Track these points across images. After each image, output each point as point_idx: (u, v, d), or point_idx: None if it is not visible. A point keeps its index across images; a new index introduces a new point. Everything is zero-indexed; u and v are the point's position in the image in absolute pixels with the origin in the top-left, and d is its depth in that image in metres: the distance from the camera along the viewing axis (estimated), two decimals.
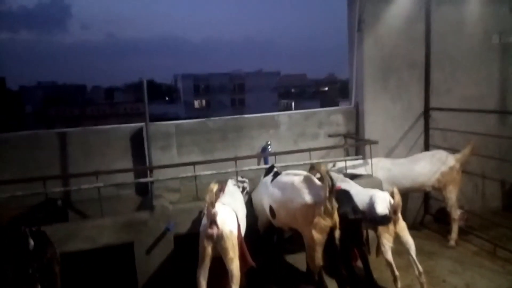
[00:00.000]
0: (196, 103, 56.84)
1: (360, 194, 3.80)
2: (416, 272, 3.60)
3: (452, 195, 4.75)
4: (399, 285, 3.55)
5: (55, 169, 4.54)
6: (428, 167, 4.77)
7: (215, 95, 56.62)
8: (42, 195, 3.81)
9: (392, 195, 3.56)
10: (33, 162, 4.47)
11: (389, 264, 3.56)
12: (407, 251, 3.62)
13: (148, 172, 4.43)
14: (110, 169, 4.33)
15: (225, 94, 57.29)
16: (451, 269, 4.29)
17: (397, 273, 3.54)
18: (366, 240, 4.30)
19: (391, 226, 3.53)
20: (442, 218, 5.36)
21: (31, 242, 2.99)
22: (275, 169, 4.10)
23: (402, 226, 3.59)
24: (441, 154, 4.85)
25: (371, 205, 3.62)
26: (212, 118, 5.22)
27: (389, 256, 3.54)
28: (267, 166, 4.35)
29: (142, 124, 4.66)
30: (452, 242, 4.79)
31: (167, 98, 63.22)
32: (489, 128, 5.42)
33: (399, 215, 3.56)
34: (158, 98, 58.61)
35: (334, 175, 4.05)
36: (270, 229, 4.09)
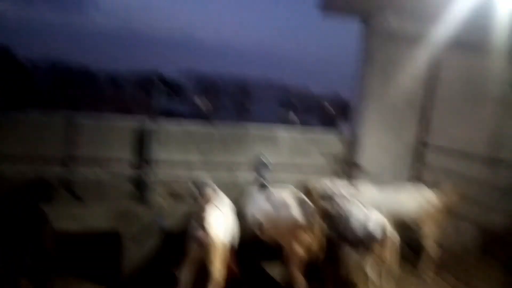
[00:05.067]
0: (199, 102, 56.84)
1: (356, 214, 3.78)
2: None
3: (429, 232, 4.84)
4: None
5: (57, 150, 4.67)
6: (411, 200, 4.87)
7: (219, 96, 56.69)
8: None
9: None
10: (36, 142, 4.59)
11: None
12: (384, 273, 3.63)
13: (146, 165, 4.58)
14: (109, 157, 4.46)
15: (229, 97, 57.36)
16: None
17: None
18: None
19: (384, 252, 3.53)
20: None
21: (26, 217, 3.14)
22: (261, 181, 4.22)
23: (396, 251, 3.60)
24: (425, 190, 4.96)
25: (365, 225, 3.59)
26: (214, 122, 5.37)
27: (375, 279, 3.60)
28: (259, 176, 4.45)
29: (147, 118, 4.83)
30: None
31: (171, 94, 63.06)
32: (480, 173, 5.54)
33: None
34: (162, 92, 58.37)
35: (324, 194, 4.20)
36: (253, 239, 4.20)
